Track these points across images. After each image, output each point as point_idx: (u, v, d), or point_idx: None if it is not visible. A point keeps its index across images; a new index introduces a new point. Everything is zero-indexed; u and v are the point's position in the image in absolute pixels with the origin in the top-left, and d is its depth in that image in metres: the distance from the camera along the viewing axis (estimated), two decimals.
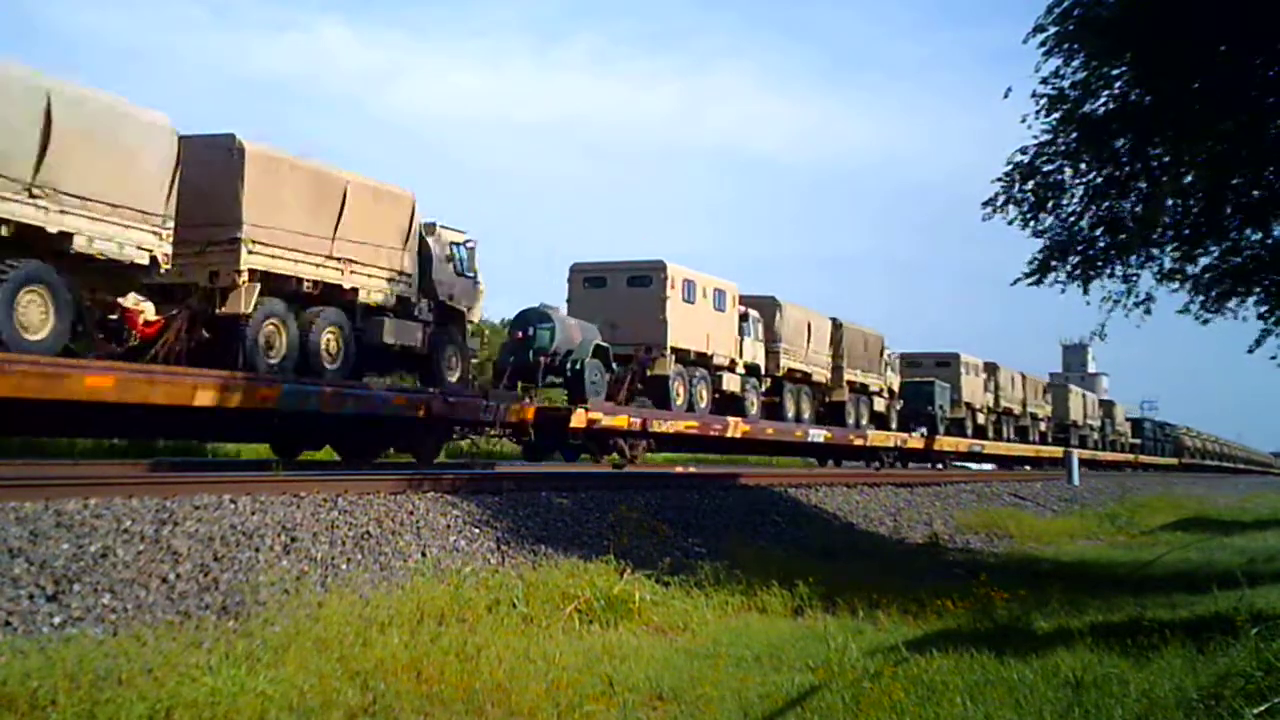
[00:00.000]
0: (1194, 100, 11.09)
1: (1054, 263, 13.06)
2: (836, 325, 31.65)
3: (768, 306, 28.04)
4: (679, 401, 23.82)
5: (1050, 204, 12.98)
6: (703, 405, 24.64)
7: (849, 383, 32.19)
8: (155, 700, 5.67)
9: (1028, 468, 44.42)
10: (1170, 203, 12.35)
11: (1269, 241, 12.98)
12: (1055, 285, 13.26)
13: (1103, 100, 12.26)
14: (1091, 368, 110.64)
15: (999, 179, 12.97)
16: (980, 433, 42.42)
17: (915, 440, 35.64)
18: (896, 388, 36.25)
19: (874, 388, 34.05)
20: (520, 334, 21.28)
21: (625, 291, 23.57)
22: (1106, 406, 63.70)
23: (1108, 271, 13.07)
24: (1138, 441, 67.28)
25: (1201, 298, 13.41)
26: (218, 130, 15.20)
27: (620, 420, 21.58)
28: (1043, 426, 48.91)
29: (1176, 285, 13.27)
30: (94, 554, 7.95)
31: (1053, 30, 11.92)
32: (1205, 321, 13.51)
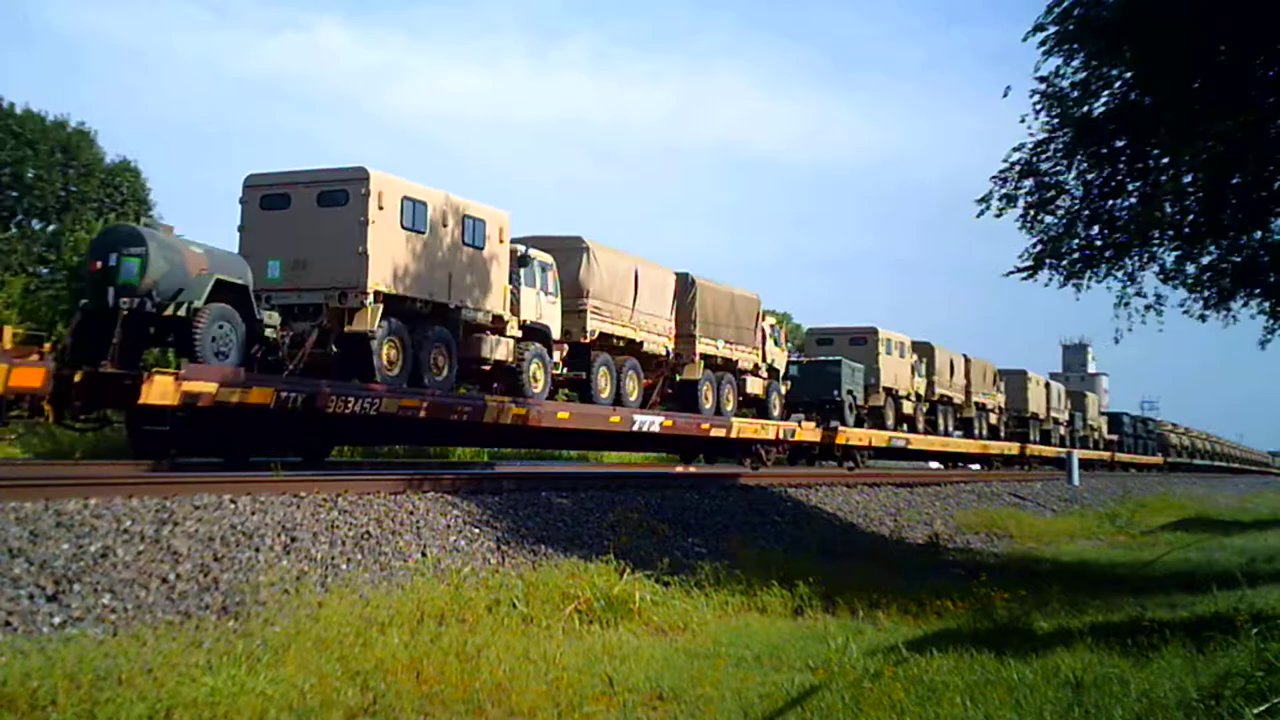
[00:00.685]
0: (1193, 100, 11.09)
1: (1048, 259, 13.07)
2: (687, 281, 24.56)
3: (571, 249, 21.10)
4: (392, 373, 16.39)
5: (1049, 203, 12.99)
6: (440, 378, 17.38)
7: (705, 356, 24.74)
8: (155, 700, 5.67)
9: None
10: (1169, 202, 12.36)
11: (1270, 241, 12.99)
12: (1050, 282, 13.29)
13: (1102, 100, 12.27)
14: (1092, 368, 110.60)
15: (996, 176, 12.98)
16: (907, 423, 34.66)
17: (807, 431, 28.40)
18: (780, 365, 29.12)
19: (745, 364, 26.66)
20: (97, 264, 13.88)
21: (316, 214, 16.31)
22: (1076, 399, 56.37)
23: (1106, 270, 13.08)
24: (1114, 438, 61.01)
25: (1202, 297, 13.43)
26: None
27: (239, 395, 13.69)
28: (993, 418, 42.11)
29: (1176, 285, 13.29)
30: (94, 554, 7.95)
31: (1052, 30, 11.93)
32: (1203, 318, 13.52)
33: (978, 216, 13.11)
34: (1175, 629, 8.26)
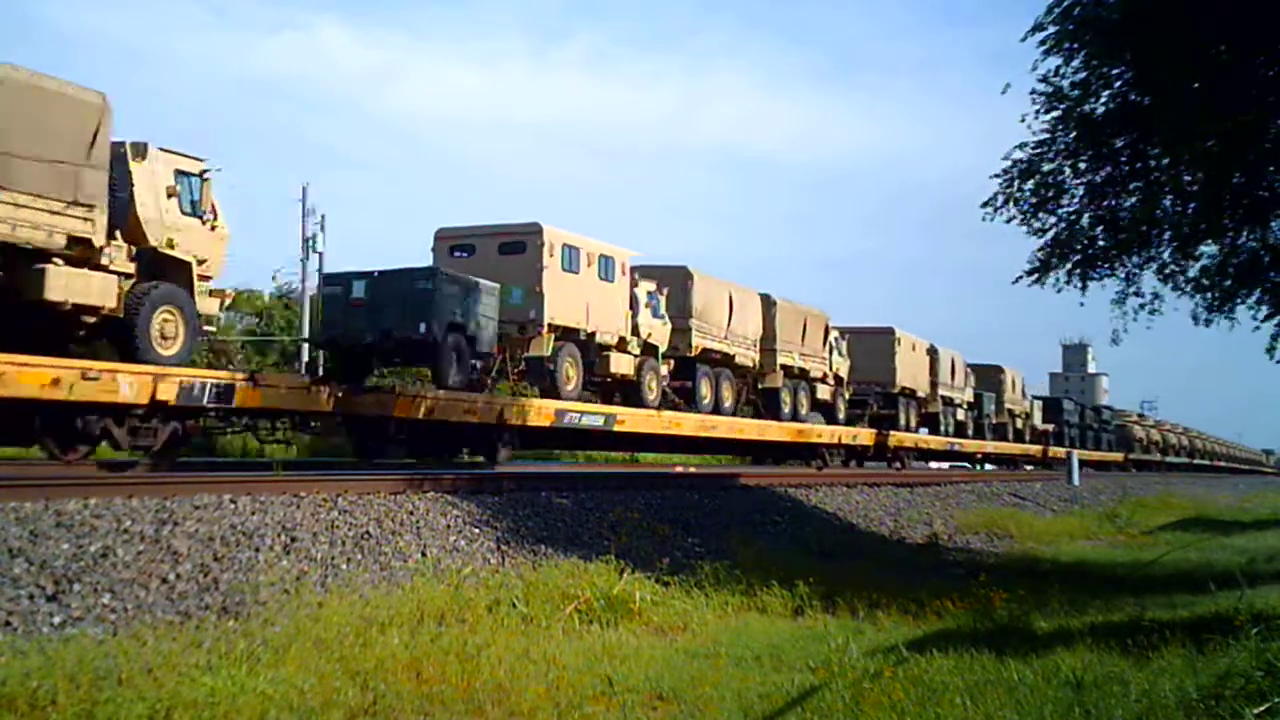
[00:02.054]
0: (1194, 100, 11.09)
1: (1054, 262, 13.08)
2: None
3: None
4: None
5: (1050, 203, 12.99)
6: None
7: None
8: (155, 700, 5.67)
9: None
10: (1169, 202, 12.36)
11: (1270, 241, 12.99)
12: (1055, 285, 13.30)
13: (1102, 100, 12.28)
14: (1092, 368, 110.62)
15: (997, 175, 12.98)
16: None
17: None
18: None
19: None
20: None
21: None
22: (987, 375, 43.68)
23: (1108, 271, 13.09)
24: (1050, 428, 50.11)
25: (1203, 298, 13.42)
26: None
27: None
28: (825, 392, 30.11)
29: (1177, 286, 13.28)
30: (94, 554, 7.95)
31: (1052, 29, 11.93)
32: (1208, 322, 13.51)
33: (987, 220, 13.13)
34: (1175, 629, 8.25)
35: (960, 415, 40.13)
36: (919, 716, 6.31)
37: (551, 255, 19.98)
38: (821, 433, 29.44)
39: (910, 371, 35.56)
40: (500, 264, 19.80)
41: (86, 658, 6.05)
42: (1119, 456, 58.44)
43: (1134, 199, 12.70)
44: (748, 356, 26.65)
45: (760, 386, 27.51)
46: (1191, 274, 13.21)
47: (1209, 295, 13.38)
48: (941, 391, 38.18)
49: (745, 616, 9.99)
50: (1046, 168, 12.81)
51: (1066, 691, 6.87)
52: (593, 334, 21.26)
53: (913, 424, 35.71)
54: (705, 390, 24.78)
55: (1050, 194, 12.94)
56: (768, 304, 27.65)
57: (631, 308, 22.49)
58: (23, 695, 5.57)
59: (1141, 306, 13.14)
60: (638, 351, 22.75)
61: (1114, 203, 12.94)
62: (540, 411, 19.27)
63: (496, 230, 20.45)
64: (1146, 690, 6.72)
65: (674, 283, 24.18)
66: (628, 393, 22.81)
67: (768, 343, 27.44)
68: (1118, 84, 12.15)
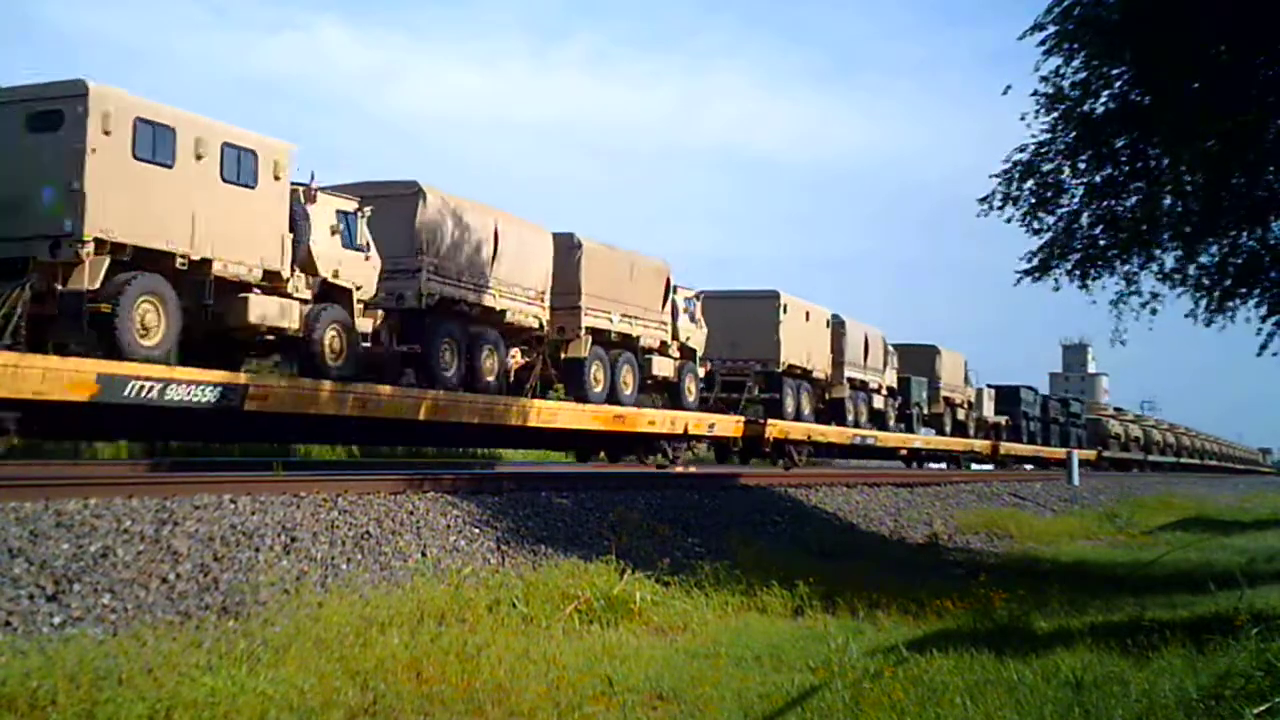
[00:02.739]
0: (1194, 100, 11.09)
1: (1054, 260, 13.08)
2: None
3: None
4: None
5: (1049, 203, 13.00)
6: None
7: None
8: (155, 700, 5.67)
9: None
10: (1169, 202, 12.36)
11: (1270, 241, 12.99)
12: (1055, 282, 13.30)
13: (1102, 100, 12.28)
14: (1092, 368, 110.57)
15: (997, 175, 12.99)
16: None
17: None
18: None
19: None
20: None
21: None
22: (917, 356, 37.21)
23: (1108, 270, 13.09)
24: (1002, 420, 44.29)
25: (1203, 298, 13.41)
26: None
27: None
28: (665, 367, 24.39)
29: (1177, 286, 13.28)
30: (94, 554, 7.95)
31: (1052, 29, 11.93)
32: (1209, 323, 13.51)
33: (982, 216, 13.13)
34: (1175, 629, 8.25)
35: (878, 403, 33.45)
36: (919, 716, 6.31)
37: (109, 132, 13.11)
38: (656, 419, 23.38)
39: (802, 346, 29.00)
40: (27, 147, 13.21)
41: (86, 658, 6.05)
42: (1090, 454, 52.04)
43: (1134, 199, 12.70)
44: (528, 314, 20.46)
45: (564, 357, 21.91)
46: (1191, 273, 13.21)
47: (1209, 295, 13.38)
48: (850, 373, 31.56)
49: (745, 616, 9.99)
50: (1046, 167, 12.82)
51: (1066, 691, 6.87)
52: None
53: (805, 411, 29.16)
54: (449, 358, 18.50)
55: (1050, 194, 12.94)
56: (567, 245, 21.70)
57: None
58: (23, 695, 5.57)
59: (1143, 305, 13.14)
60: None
61: (1114, 202, 12.94)
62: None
63: (23, 95, 13.49)
64: (1146, 690, 6.72)
65: (398, 204, 18.21)
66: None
67: (566, 297, 21.57)
68: (1118, 84, 12.15)
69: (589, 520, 12.95)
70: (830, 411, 31.22)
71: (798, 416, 28.74)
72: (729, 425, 25.90)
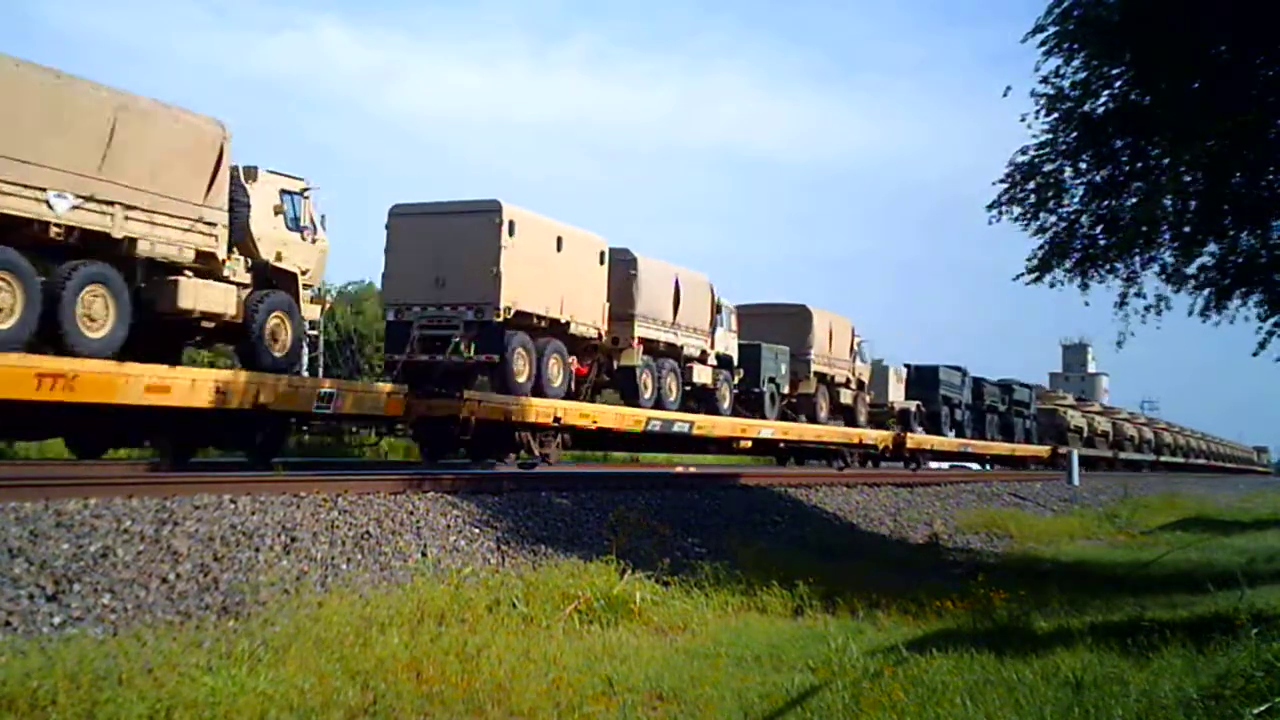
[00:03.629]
0: (1194, 100, 11.09)
1: (1054, 260, 13.08)
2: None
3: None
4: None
5: (1051, 203, 13.00)
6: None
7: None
8: (155, 700, 5.67)
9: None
10: (1169, 202, 12.36)
11: (1270, 242, 12.98)
12: (1056, 283, 13.30)
13: (1102, 100, 12.27)
14: (1092, 368, 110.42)
15: (1002, 179, 12.99)
16: None
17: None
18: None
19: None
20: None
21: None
22: (776, 320, 28.93)
23: (1108, 270, 13.08)
24: (912, 407, 36.04)
25: (1202, 298, 13.42)
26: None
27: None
28: (213, 303, 15.04)
29: (1177, 285, 13.27)
30: (94, 554, 7.94)
31: (1052, 30, 11.93)
32: (1205, 317, 13.51)
33: (993, 222, 13.13)
34: (1175, 629, 8.25)
35: (701, 375, 23.98)
36: (919, 716, 6.31)
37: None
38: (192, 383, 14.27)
39: (548, 285, 19.43)
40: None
41: (86, 658, 6.05)
42: (1043, 451, 45.10)
43: (1134, 199, 12.70)
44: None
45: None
46: (1190, 272, 13.21)
47: (1208, 295, 13.39)
48: (645, 331, 22.09)
49: (745, 616, 9.99)
50: (1048, 168, 12.82)
51: (1066, 691, 6.87)
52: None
53: (554, 382, 19.49)
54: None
55: (1051, 194, 12.94)
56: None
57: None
58: (23, 695, 5.57)
59: (1147, 308, 13.13)
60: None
61: (1114, 203, 12.94)
62: None
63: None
64: (1146, 690, 6.72)
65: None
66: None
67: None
68: (1118, 84, 12.15)
69: (589, 520, 12.95)
70: (621, 384, 22.31)
71: (539, 389, 19.09)
72: (376, 397, 17.28)
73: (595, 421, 20.69)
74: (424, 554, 10.15)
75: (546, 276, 19.36)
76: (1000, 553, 18.05)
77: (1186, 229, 12.63)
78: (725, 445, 26.72)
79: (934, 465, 37.68)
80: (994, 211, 13.11)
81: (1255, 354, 13.17)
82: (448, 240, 18.56)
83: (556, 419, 19.25)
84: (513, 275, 18.48)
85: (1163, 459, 64.89)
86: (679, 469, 23.03)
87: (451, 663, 7.01)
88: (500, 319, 18.30)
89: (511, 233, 18.55)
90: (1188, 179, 11.89)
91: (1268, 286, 13.20)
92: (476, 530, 11.26)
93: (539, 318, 19.29)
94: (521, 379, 18.78)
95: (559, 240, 19.84)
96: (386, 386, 17.61)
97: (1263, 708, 5.82)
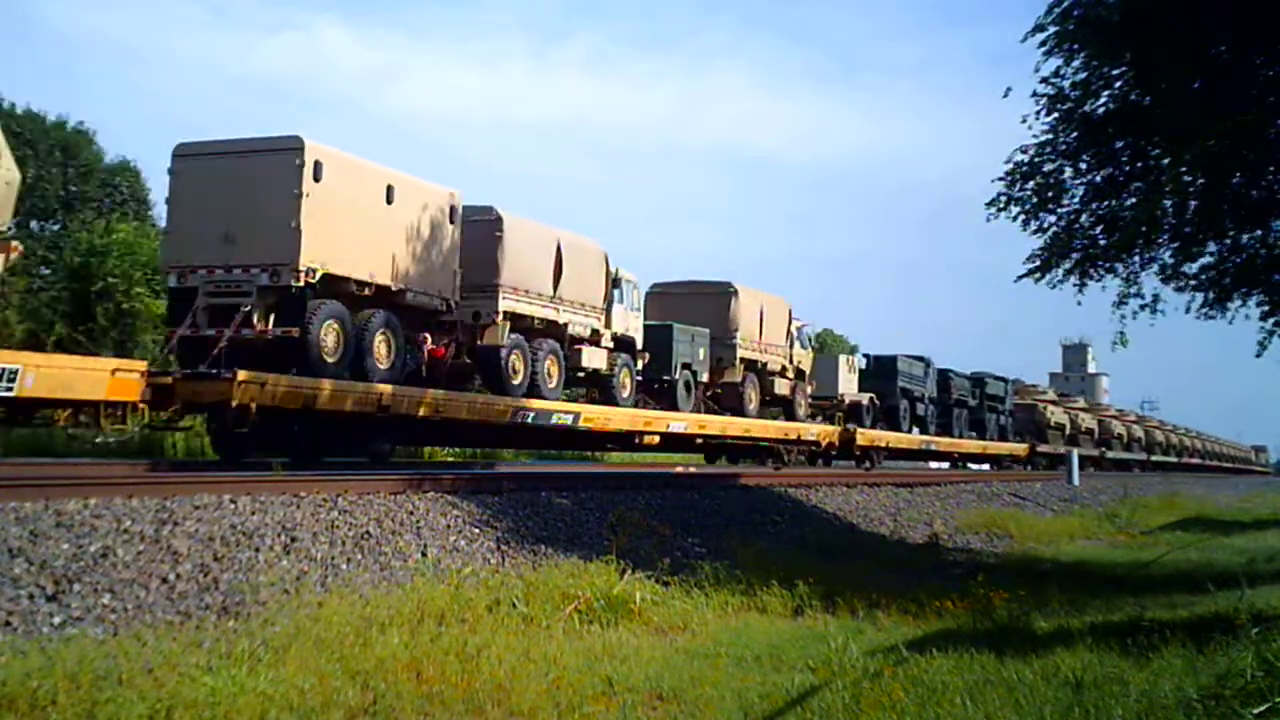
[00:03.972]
0: (1194, 100, 11.10)
1: (1054, 260, 13.10)
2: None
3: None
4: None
5: (1050, 203, 13.01)
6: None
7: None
8: (155, 700, 5.67)
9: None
10: (1169, 202, 12.37)
11: (1270, 242, 12.99)
12: (1056, 282, 13.30)
13: (1102, 100, 12.28)
14: (1092, 368, 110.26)
15: (1000, 178, 13.00)
16: None
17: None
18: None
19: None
20: None
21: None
22: (691, 299, 26.01)
23: (1107, 270, 13.09)
24: (865, 400, 32.80)
25: (1201, 297, 13.43)
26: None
27: None
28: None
29: (1178, 286, 13.28)
30: (94, 554, 7.94)
31: (1053, 30, 11.94)
32: (1210, 317, 13.51)
33: (991, 219, 13.15)
34: (1175, 629, 8.25)
35: (595, 360, 21.17)
36: (919, 716, 6.31)
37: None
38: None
39: (364, 245, 16.01)
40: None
41: (86, 658, 6.05)
42: (1020, 449, 42.64)
43: (1134, 199, 12.70)
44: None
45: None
46: (1190, 272, 13.22)
47: (1208, 295, 13.40)
48: (513, 304, 18.85)
49: (745, 616, 9.99)
50: (1048, 168, 12.83)
51: (1066, 691, 6.87)
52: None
53: (379, 364, 16.12)
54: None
55: (1050, 194, 12.95)
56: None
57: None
58: (23, 695, 5.57)
59: (1143, 307, 13.13)
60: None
61: (1114, 203, 12.95)
62: None
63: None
64: (1146, 690, 6.72)
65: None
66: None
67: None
68: (1118, 84, 12.16)
69: (589, 520, 12.95)
70: (483, 369, 19.10)
71: (360, 372, 15.82)
72: (91, 380, 13.46)
73: (439, 411, 16.82)
74: (424, 554, 10.15)
75: (370, 233, 15.92)
76: (1000, 553, 18.05)
77: (1186, 229, 12.64)
78: (626, 441, 23.24)
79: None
80: (991, 209, 13.14)
81: (1258, 355, 13.18)
82: (240, 187, 15.04)
83: (383, 407, 15.59)
84: (318, 230, 14.89)
85: (1154, 458, 62.96)
86: (679, 469, 23.03)
87: (451, 663, 7.01)
88: (301, 283, 14.78)
89: (318, 177, 15.01)
90: (1188, 179, 11.90)
91: (1268, 287, 13.21)
92: (476, 530, 11.25)
93: (359, 283, 15.82)
94: (330, 359, 15.16)
95: (389, 190, 16.35)
96: (111, 362, 14.17)
97: (1263, 708, 5.83)
